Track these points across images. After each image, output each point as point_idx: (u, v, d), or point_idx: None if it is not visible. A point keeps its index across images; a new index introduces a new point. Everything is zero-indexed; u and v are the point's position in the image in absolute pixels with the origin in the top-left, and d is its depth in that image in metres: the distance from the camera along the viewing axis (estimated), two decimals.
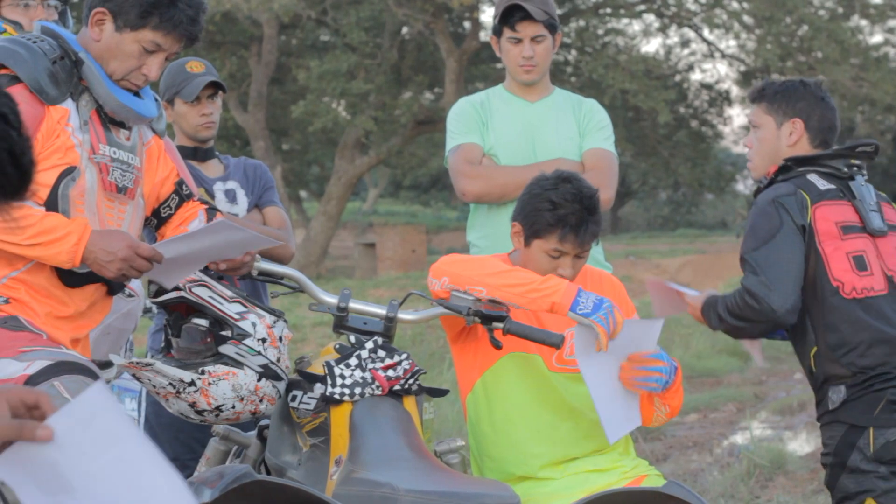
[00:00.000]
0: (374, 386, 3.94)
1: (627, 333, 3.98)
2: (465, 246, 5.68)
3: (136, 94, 4.02)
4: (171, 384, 3.99)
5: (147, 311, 5.18)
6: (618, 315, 3.91)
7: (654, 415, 4.20)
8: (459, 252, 4.79)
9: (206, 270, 4.14)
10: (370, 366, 3.97)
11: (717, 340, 15.78)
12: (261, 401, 4.07)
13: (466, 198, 5.43)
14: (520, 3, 5.39)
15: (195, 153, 5.49)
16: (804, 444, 10.56)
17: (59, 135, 3.84)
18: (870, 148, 4.61)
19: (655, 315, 4.76)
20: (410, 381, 4.00)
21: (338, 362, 3.99)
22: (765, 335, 4.64)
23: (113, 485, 2.08)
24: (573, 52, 31.00)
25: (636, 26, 35.87)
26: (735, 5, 29.53)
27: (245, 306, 4.10)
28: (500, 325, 4.03)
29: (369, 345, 4.03)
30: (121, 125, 4.02)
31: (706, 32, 32.13)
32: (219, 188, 5.47)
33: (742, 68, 32.05)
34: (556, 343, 4.01)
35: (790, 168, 4.58)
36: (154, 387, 4.02)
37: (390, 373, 3.98)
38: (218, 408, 4.02)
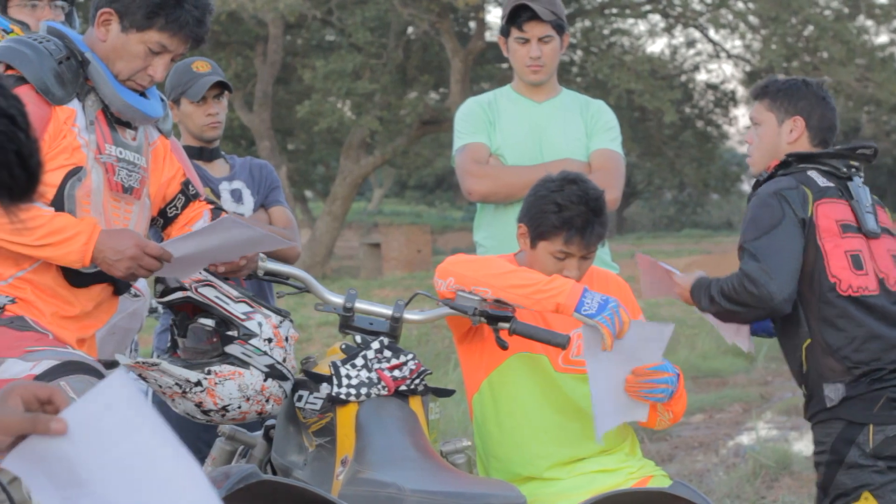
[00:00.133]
0: (379, 386, 3.94)
1: (637, 334, 3.97)
2: (471, 246, 5.68)
3: (142, 94, 4.02)
4: (177, 384, 3.99)
5: (153, 310, 5.19)
6: (624, 315, 3.90)
7: (657, 419, 4.20)
8: (465, 252, 4.79)
9: (210, 271, 4.14)
10: (376, 366, 3.97)
11: (722, 341, 15.70)
12: (267, 401, 4.07)
13: (473, 197, 5.43)
14: (527, 4, 5.39)
15: (201, 153, 5.50)
16: (810, 444, 10.50)
17: (66, 135, 3.84)
18: (869, 151, 4.69)
19: (642, 294, 4.80)
20: (416, 381, 4.00)
21: (344, 362, 3.99)
22: (754, 322, 4.67)
23: (127, 477, 2.06)
24: (579, 52, 31.00)
25: (642, 26, 35.85)
26: (741, 5, 29.53)
27: (251, 306, 4.10)
28: (506, 325, 4.03)
29: (375, 345, 4.03)
30: (127, 125, 4.02)
31: (712, 32, 32.14)
32: (224, 188, 5.47)
33: (747, 68, 32.04)
34: (561, 343, 4.01)
35: (790, 164, 4.65)
36: (160, 387, 4.02)
37: (396, 373, 3.97)
38: (224, 408, 4.02)
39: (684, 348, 15.44)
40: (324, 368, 4.03)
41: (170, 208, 4.24)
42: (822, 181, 4.59)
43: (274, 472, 4.18)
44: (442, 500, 3.44)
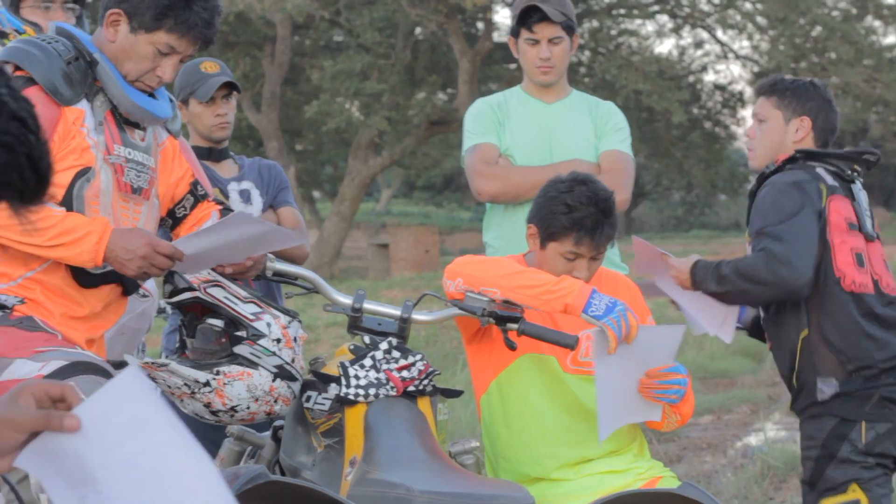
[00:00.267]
0: (388, 387, 3.94)
1: (648, 340, 3.97)
2: (478, 247, 5.69)
3: (151, 94, 4.02)
4: (185, 385, 3.99)
5: (161, 311, 5.19)
6: (631, 318, 3.90)
7: (665, 421, 4.20)
8: (473, 253, 4.79)
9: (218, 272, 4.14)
10: (384, 366, 3.97)
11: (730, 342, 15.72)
12: (275, 401, 4.07)
13: (482, 197, 5.43)
14: (538, 5, 5.38)
15: (210, 153, 5.50)
16: None
17: (75, 136, 3.84)
18: (873, 157, 4.78)
19: (637, 270, 4.81)
20: (425, 381, 4.00)
21: (352, 363, 3.99)
22: (764, 303, 4.67)
23: (140, 474, 2.06)
24: (587, 52, 30.97)
25: (649, 27, 35.87)
26: (748, 6, 29.50)
27: (260, 307, 4.10)
28: (515, 326, 4.03)
29: (384, 345, 4.03)
30: (135, 126, 4.02)
31: (719, 33, 32.13)
32: (233, 188, 5.47)
33: (755, 69, 31.99)
34: (570, 344, 4.01)
35: (797, 159, 4.71)
36: (169, 387, 4.02)
37: (405, 373, 3.97)
38: (233, 408, 4.02)
39: (692, 349, 15.42)
40: (332, 369, 4.03)
41: (178, 209, 4.24)
42: (829, 179, 4.66)
43: (282, 473, 4.19)
44: (450, 501, 3.44)
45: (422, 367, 4.00)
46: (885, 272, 4.68)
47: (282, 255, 4.63)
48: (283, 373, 4.05)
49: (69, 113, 3.84)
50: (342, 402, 3.95)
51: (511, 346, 4.06)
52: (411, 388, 3.97)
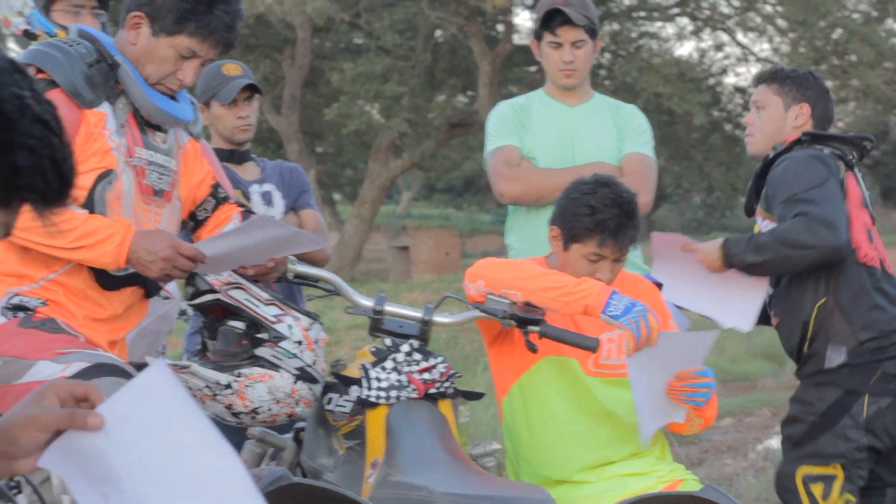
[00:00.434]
0: (409, 389, 3.94)
1: (678, 345, 3.96)
2: (499, 249, 5.69)
3: (172, 97, 4.02)
4: (207, 386, 3.99)
5: (182, 313, 5.19)
6: (652, 320, 3.89)
7: (688, 424, 4.19)
8: (493, 255, 4.79)
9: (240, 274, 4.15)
10: (406, 369, 3.97)
11: (751, 344, 15.71)
12: (297, 403, 4.07)
13: (504, 199, 5.43)
14: (561, 8, 5.38)
15: (231, 156, 5.51)
16: None
17: (97, 138, 3.84)
18: (870, 145, 4.86)
19: (654, 273, 4.81)
20: (446, 384, 4.00)
21: (373, 365, 3.99)
22: (809, 267, 4.64)
23: (165, 473, 2.05)
24: (607, 55, 30.92)
25: (670, 29, 35.81)
26: (769, 9, 29.42)
27: (281, 309, 4.10)
28: (536, 328, 4.03)
29: (405, 348, 4.03)
30: (157, 128, 4.03)
31: (740, 36, 32.03)
32: (255, 190, 5.48)
33: None
34: (591, 346, 4.00)
35: (803, 142, 4.79)
36: (190, 389, 4.02)
37: (426, 376, 3.97)
38: (254, 410, 4.03)
39: (713, 352, 15.28)
40: (353, 371, 4.03)
41: (200, 211, 4.25)
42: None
43: (304, 475, 4.19)
44: None
45: (443, 370, 4.00)
46: (886, 254, 4.78)
47: (303, 258, 4.64)
48: (304, 375, 4.05)
49: (91, 115, 3.84)
50: (363, 405, 3.94)
51: (532, 349, 4.06)
52: (432, 391, 3.97)
